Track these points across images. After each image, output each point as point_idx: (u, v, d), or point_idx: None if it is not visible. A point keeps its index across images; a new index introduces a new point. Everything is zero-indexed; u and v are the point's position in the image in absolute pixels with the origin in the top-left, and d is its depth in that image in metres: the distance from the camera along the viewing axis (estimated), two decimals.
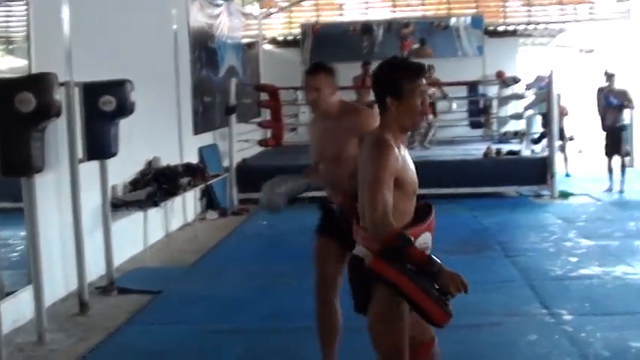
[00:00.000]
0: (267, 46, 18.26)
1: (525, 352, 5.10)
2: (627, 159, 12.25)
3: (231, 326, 5.84)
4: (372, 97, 12.81)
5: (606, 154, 12.10)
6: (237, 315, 6.12)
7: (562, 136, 13.49)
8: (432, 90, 13.51)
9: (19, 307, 5.73)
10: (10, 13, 6.50)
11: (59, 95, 5.51)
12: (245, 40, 15.90)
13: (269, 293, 6.73)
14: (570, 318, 5.69)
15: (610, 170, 12.02)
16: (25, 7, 6.15)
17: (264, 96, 13.68)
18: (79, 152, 6.32)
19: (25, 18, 6.16)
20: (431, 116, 13.77)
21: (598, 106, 12.74)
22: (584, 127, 14.38)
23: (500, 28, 18.25)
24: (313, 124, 4.51)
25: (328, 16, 18.71)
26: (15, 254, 6.11)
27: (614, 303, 6.10)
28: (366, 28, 18.15)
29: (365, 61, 13.86)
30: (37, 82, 5.34)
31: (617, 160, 11.99)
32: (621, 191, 11.79)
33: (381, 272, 3.00)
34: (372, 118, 3.97)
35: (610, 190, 11.95)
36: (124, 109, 6.50)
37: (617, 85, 12.13)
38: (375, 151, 3.04)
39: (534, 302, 6.16)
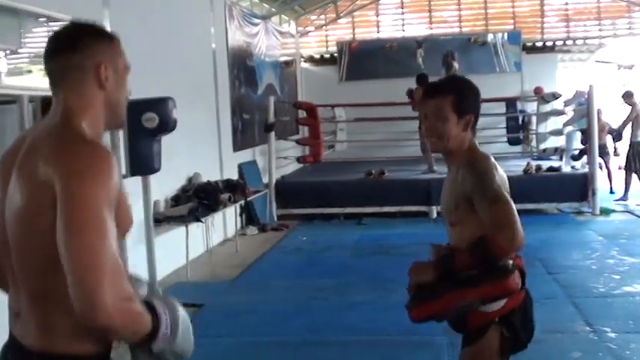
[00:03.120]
0: (305, 64, 18.38)
1: None
2: None
3: (273, 339, 5.89)
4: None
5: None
6: (278, 328, 6.16)
7: (604, 153, 13.35)
8: None
9: None
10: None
11: None
12: (282, 59, 16.02)
13: (309, 307, 6.78)
14: (614, 335, 5.63)
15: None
16: None
17: (302, 113, 13.75)
18: (123, 168, 6.41)
19: None
20: None
21: None
22: (624, 143, 14.18)
23: (539, 44, 18.15)
24: None
25: (364, 34, 18.78)
26: None
27: None
28: (405, 44, 18.17)
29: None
30: None
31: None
32: None
33: None
34: None
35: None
36: (167, 125, 6.55)
37: None
38: None
39: (577, 319, 6.09)
